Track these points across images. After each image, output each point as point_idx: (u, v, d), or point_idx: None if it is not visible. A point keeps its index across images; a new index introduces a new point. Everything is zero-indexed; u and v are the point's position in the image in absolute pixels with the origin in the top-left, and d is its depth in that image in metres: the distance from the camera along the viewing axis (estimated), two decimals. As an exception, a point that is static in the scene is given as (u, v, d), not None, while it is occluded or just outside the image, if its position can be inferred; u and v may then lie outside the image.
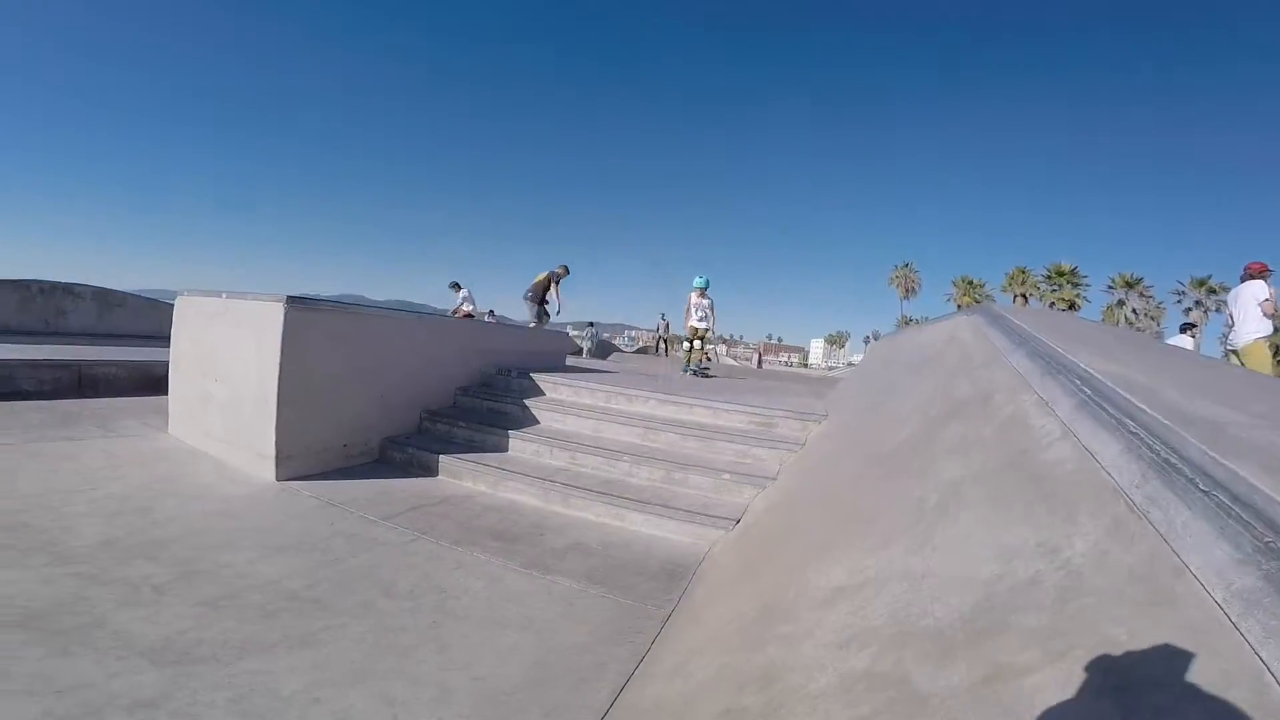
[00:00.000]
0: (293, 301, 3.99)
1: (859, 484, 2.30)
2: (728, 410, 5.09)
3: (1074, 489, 1.06)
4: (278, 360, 3.90)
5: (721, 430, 4.86)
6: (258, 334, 4.06)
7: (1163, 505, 0.87)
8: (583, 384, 5.76)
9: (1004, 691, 0.78)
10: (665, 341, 23.12)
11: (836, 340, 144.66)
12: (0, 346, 6.55)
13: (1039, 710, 0.72)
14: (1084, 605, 0.82)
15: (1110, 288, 45.24)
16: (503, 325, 6.95)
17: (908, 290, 65.02)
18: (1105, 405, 1.21)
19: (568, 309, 10.29)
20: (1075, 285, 45.52)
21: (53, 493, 3.11)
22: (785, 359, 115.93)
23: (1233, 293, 6.24)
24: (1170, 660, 0.68)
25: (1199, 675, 0.64)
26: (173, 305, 5.20)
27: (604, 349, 21.59)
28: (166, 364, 5.04)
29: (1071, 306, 42.65)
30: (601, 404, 5.52)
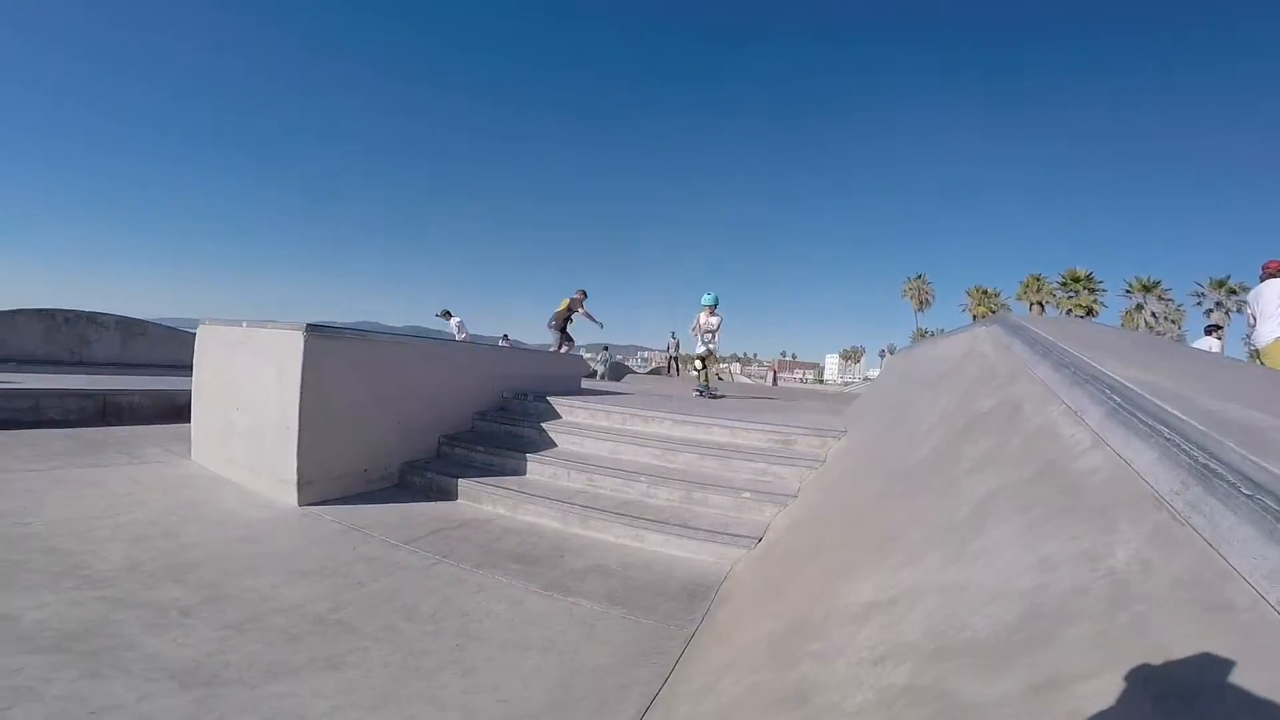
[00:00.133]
0: (312, 329, 4.05)
1: (883, 500, 2.28)
2: (745, 429, 5.07)
3: (1110, 498, 1.05)
4: (298, 387, 3.95)
5: (739, 449, 4.84)
6: (278, 362, 4.12)
7: (1205, 511, 0.86)
8: (598, 406, 5.78)
9: (1057, 700, 0.76)
10: (676, 360, 23.15)
11: (852, 355, 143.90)
12: (28, 376, 6.70)
13: (1098, 715, 0.71)
14: (1134, 613, 0.81)
15: (1127, 292, 44.58)
16: (518, 350, 7.00)
17: (922, 302, 64.71)
18: (1137, 412, 1.20)
19: (584, 332, 10.48)
20: (1091, 291, 45.00)
21: (79, 518, 3.15)
22: (800, 376, 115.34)
23: (1253, 292, 6.15)
24: (1227, 666, 0.66)
25: (1257, 681, 0.63)
26: (193, 333, 5.30)
27: (618, 371, 21.61)
28: (188, 392, 5.13)
29: (1089, 313, 42.14)
30: (618, 425, 5.52)
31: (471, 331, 15.22)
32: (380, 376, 4.65)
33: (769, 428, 5.03)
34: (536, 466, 4.79)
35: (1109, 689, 0.74)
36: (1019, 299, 48.62)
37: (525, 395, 6.15)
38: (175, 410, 6.49)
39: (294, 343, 4.02)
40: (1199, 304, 41.32)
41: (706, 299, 8.60)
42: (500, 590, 2.87)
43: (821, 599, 1.73)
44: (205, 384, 4.91)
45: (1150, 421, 1.14)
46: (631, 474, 4.48)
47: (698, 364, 8.98)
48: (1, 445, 4.57)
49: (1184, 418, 1.09)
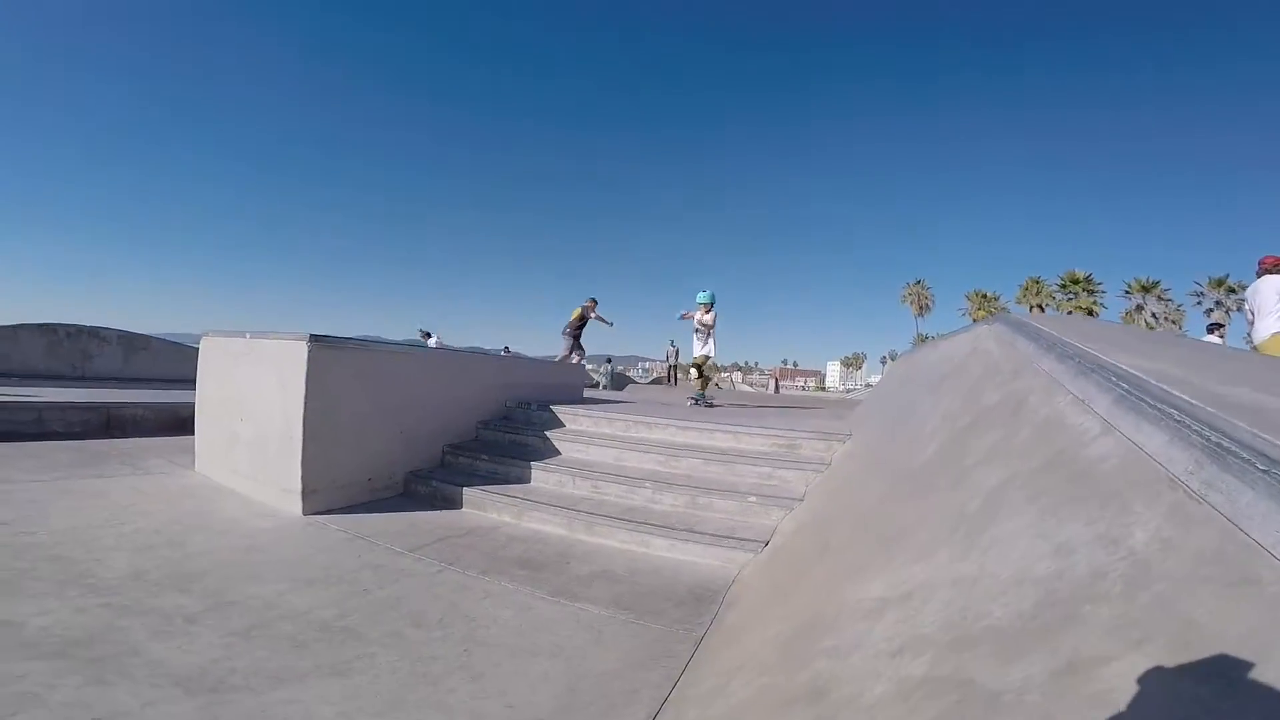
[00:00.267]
0: (316, 340, 4.06)
1: (891, 499, 2.26)
2: (749, 434, 5.06)
3: (1124, 481, 1.04)
4: (302, 397, 3.95)
5: (744, 454, 4.82)
6: (282, 372, 4.12)
7: (1222, 489, 0.85)
8: (602, 414, 5.77)
9: (1085, 681, 0.75)
10: (675, 370, 23.12)
11: (853, 362, 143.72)
12: (31, 390, 6.71)
13: (1128, 696, 0.70)
14: (1157, 591, 0.80)
15: (1127, 293, 44.56)
16: (521, 360, 7.01)
17: (921, 307, 64.73)
18: (1145, 398, 1.19)
19: (587, 342, 10.58)
20: (1091, 292, 44.99)
21: (84, 527, 3.14)
22: (802, 384, 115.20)
23: (1250, 288, 6.12)
24: (1259, 638, 0.65)
25: None
26: (195, 348, 5.30)
27: (619, 381, 21.63)
28: (191, 405, 5.13)
29: (1089, 314, 42.13)
30: (621, 433, 5.51)
31: (473, 344, 15.30)
32: (383, 386, 4.65)
33: (773, 433, 5.01)
34: (541, 474, 4.77)
35: (1136, 669, 0.72)
36: (1019, 302, 48.61)
37: (528, 404, 6.15)
38: (179, 423, 6.49)
39: (298, 353, 4.03)
40: (1199, 303, 41.30)
41: (701, 296, 8.15)
42: (507, 596, 2.85)
43: (832, 598, 1.71)
44: (209, 395, 4.91)
45: (1160, 405, 1.13)
46: (636, 480, 4.46)
47: (693, 371, 8.58)
48: (5, 457, 4.57)
49: (1193, 401, 1.08)
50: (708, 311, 8.05)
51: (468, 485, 4.52)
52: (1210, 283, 40.37)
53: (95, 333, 9.87)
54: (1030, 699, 0.79)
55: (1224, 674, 0.65)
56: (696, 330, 8.13)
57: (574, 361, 10.37)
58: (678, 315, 8.41)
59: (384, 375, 4.68)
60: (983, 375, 2.60)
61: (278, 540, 3.37)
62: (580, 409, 6.00)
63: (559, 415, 5.89)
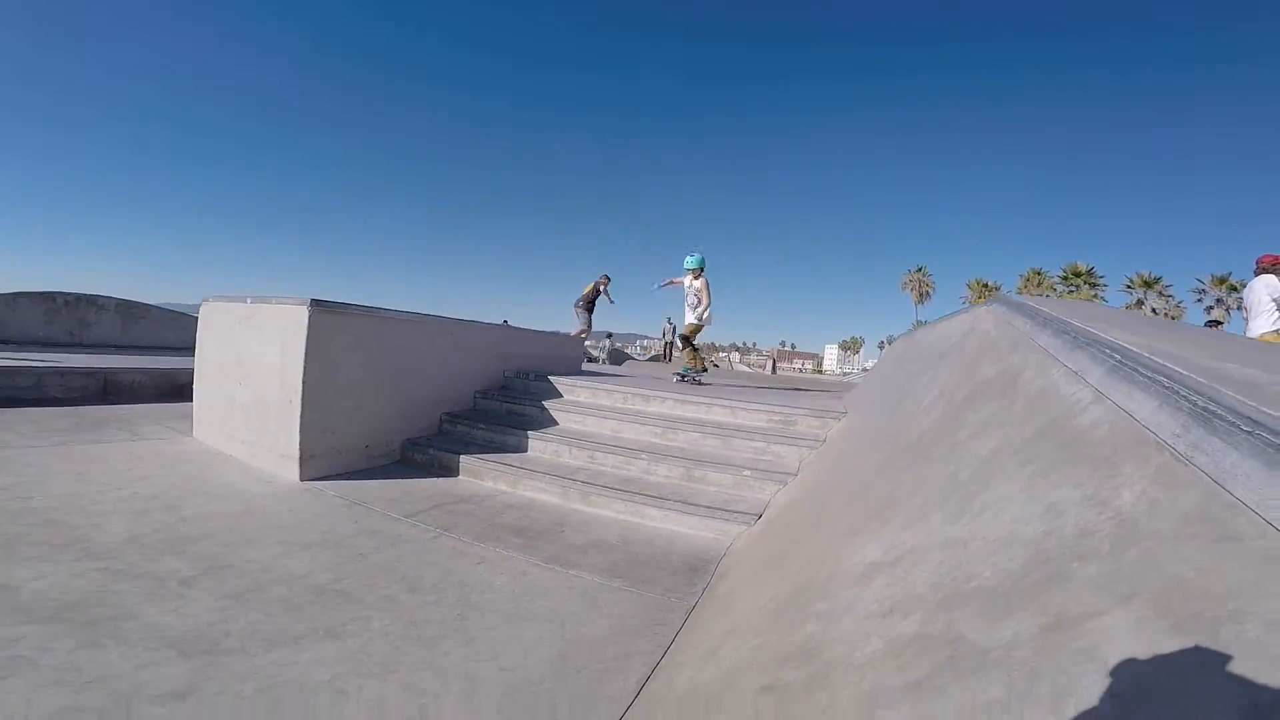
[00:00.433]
0: (317, 304, 4.04)
1: (885, 471, 2.27)
2: (746, 409, 5.07)
3: (1113, 446, 1.05)
4: (302, 362, 3.95)
5: (740, 428, 4.83)
6: (282, 337, 4.11)
7: (1208, 450, 0.86)
8: (600, 386, 5.77)
9: (1073, 636, 0.76)
10: (670, 346, 23.18)
11: (851, 346, 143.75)
12: (29, 356, 6.70)
13: (1116, 649, 0.71)
14: (1144, 549, 0.81)
15: (1128, 287, 44.55)
16: (519, 330, 7.00)
17: (922, 295, 64.60)
18: (1137, 368, 1.20)
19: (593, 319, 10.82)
20: (1093, 286, 44.93)
21: (82, 493, 3.15)
22: (799, 366, 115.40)
23: (1248, 287, 6.11)
24: (1243, 591, 0.66)
25: (1273, 604, 0.63)
26: (193, 316, 5.27)
27: (618, 357, 21.69)
28: (189, 371, 5.12)
29: (1090, 306, 42.05)
30: (619, 405, 5.52)
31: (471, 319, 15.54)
32: (383, 353, 4.64)
33: (770, 409, 5.02)
34: (538, 444, 4.79)
35: (1123, 623, 0.73)
36: (1019, 293, 48.50)
37: (527, 374, 6.15)
38: (176, 389, 6.50)
39: (298, 318, 4.01)
40: (1199, 300, 41.30)
41: (689, 261, 7.47)
42: (502, 563, 2.88)
43: (824, 565, 1.72)
44: (208, 360, 4.90)
45: (1150, 374, 1.14)
46: (632, 452, 4.48)
47: (679, 343, 7.77)
48: (4, 422, 4.57)
49: (1183, 371, 1.10)
50: (698, 277, 7.44)
51: (465, 453, 4.54)
52: (1213, 280, 40.31)
53: (93, 300, 9.82)
54: (1019, 654, 0.80)
55: (1208, 627, 0.66)
56: (688, 300, 7.57)
57: (585, 334, 10.87)
58: (655, 286, 8.04)
59: (384, 342, 4.66)
60: (979, 351, 2.59)
61: (275, 505, 3.39)
62: (578, 380, 6.00)
63: (557, 386, 5.89)
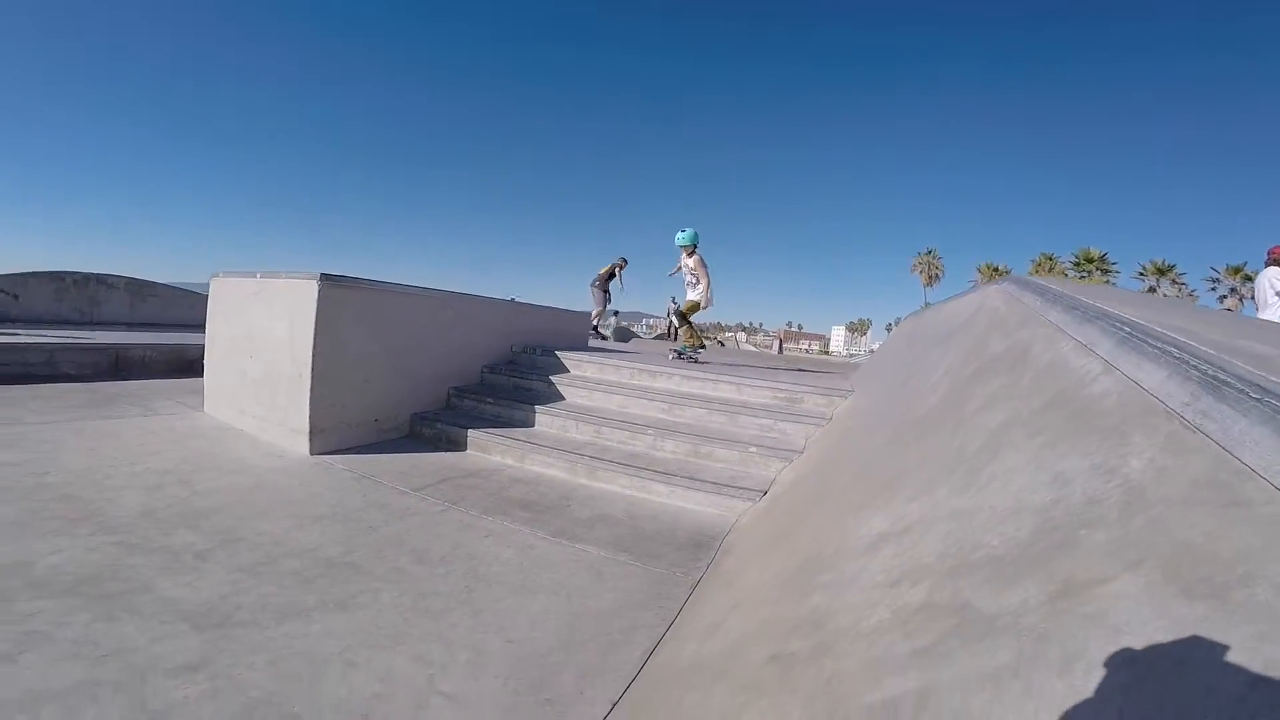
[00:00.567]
0: (326, 279, 4.04)
1: (891, 447, 2.27)
2: (752, 386, 5.05)
3: (1122, 416, 1.06)
4: (311, 337, 3.96)
5: (746, 405, 4.83)
6: (292, 311, 4.12)
7: (1217, 418, 0.87)
8: (606, 361, 5.77)
9: (1082, 601, 0.78)
10: (674, 325, 23.18)
11: (858, 327, 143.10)
12: (42, 333, 6.77)
13: (1125, 614, 0.72)
14: (1153, 515, 0.81)
15: (1141, 274, 44.09)
16: (526, 305, 6.99)
17: (931, 277, 64.08)
18: (1147, 339, 1.20)
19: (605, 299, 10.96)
20: (1105, 272, 44.49)
21: (96, 467, 3.20)
22: (805, 346, 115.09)
23: (1258, 278, 6.01)
24: (1254, 554, 0.67)
25: None
26: (201, 294, 5.29)
27: (623, 335, 21.72)
28: (199, 347, 5.16)
29: (1101, 292, 41.79)
30: (626, 380, 5.52)
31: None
32: (392, 327, 4.66)
33: (776, 386, 5.01)
34: (545, 418, 4.81)
35: (1132, 588, 0.74)
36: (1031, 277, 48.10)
37: (534, 350, 6.15)
38: (186, 365, 6.56)
39: (308, 292, 4.02)
40: (1213, 289, 40.84)
41: (680, 238, 7.06)
42: (509, 536, 2.91)
43: (830, 538, 1.73)
44: (218, 335, 4.93)
45: (1160, 345, 1.14)
46: (639, 427, 4.49)
47: (675, 319, 7.58)
48: (17, 398, 4.63)
49: (1193, 344, 1.10)
50: (690, 255, 7.03)
51: (472, 428, 4.57)
52: (1227, 270, 39.80)
53: (103, 279, 9.87)
54: (1027, 620, 0.81)
55: (1217, 592, 0.67)
56: (687, 280, 7.20)
57: (599, 313, 11.22)
58: (669, 274, 7.61)
59: (392, 316, 4.67)
60: (988, 328, 2.58)
61: (285, 479, 3.43)
62: (585, 355, 6.00)
63: (564, 361, 5.90)
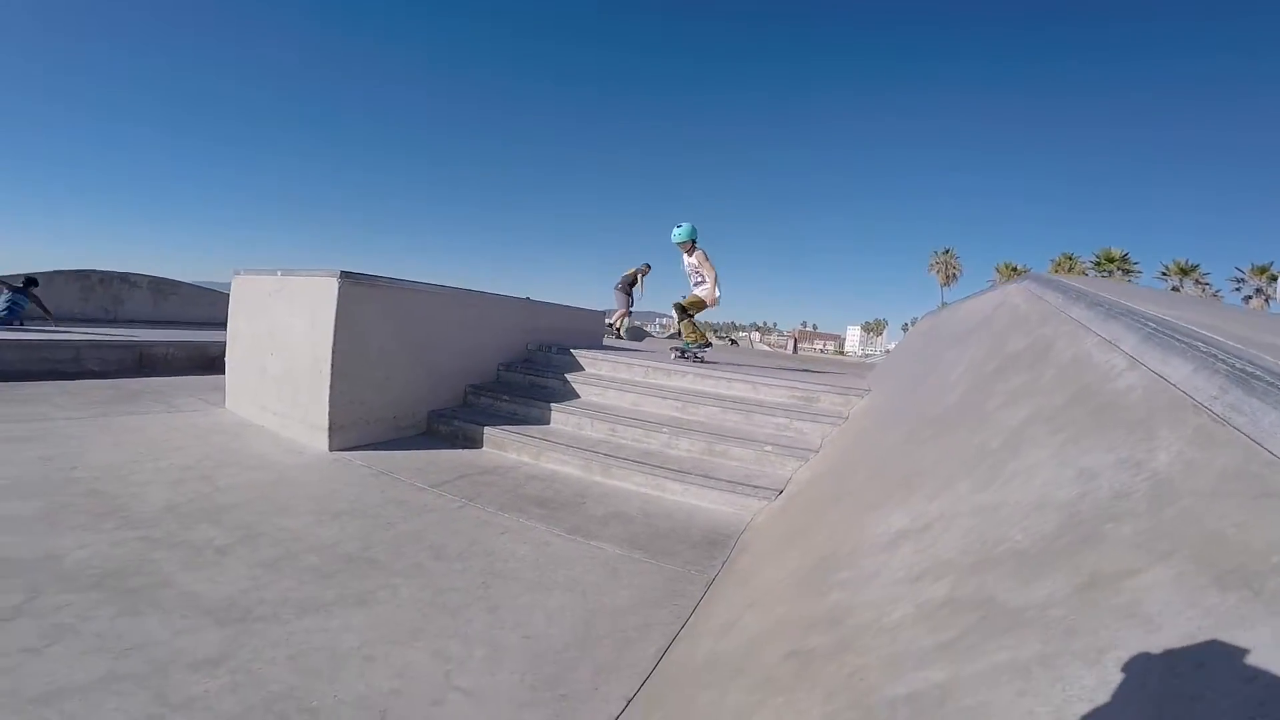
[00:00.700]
0: (346, 276, 4.08)
1: (910, 445, 2.25)
2: (768, 385, 5.03)
3: (1148, 410, 1.05)
4: (332, 333, 4.00)
5: (762, 404, 4.81)
6: (312, 308, 4.17)
7: (1246, 411, 0.86)
8: (621, 359, 5.78)
9: (1111, 593, 0.77)
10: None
11: (874, 328, 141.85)
12: (69, 330, 6.91)
13: (1157, 604, 0.71)
14: (1182, 507, 0.81)
15: (1164, 275, 43.41)
16: (542, 304, 7.02)
17: (948, 277, 63.44)
18: (1173, 334, 1.19)
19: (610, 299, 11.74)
20: (1126, 272, 43.87)
21: (121, 463, 3.26)
22: (820, 346, 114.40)
23: None
24: None
25: None
26: (222, 292, 5.36)
27: (637, 334, 21.74)
28: (220, 344, 5.23)
29: (1123, 293, 41.22)
30: (640, 378, 5.52)
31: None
32: (410, 325, 4.69)
33: (792, 385, 4.98)
34: (560, 416, 4.83)
35: (1163, 579, 0.74)
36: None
37: (549, 348, 6.18)
38: (208, 362, 6.66)
39: (328, 289, 4.06)
40: (1238, 289, 40.10)
41: (677, 234, 6.55)
42: (525, 533, 2.92)
43: (849, 536, 1.72)
44: (240, 333, 5.00)
45: (1186, 340, 1.13)
46: (653, 425, 4.49)
47: (674, 313, 6.90)
48: (45, 394, 4.73)
49: (1219, 338, 1.09)
50: (691, 251, 6.56)
51: (489, 425, 4.59)
52: (1253, 269, 39.06)
53: (126, 278, 10.06)
54: (1054, 613, 0.80)
55: (1251, 582, 0.66)
56: (691, 280, 6.74)
57: (623, 315, 11.85)
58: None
59: (411, 314, 4.71)
60: (1009, 325, 2.55)
61: (305, 475, 3.47)
62: (600, 354, 6.01)
63: (579, 359, 5.91)
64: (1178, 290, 41.43)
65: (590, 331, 8.70)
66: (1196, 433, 0.91)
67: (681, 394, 5.01)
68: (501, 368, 5.82)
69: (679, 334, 7.63)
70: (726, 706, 1.24)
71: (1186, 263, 42.74)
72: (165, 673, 1.59)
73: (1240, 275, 40.19)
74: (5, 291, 7.15)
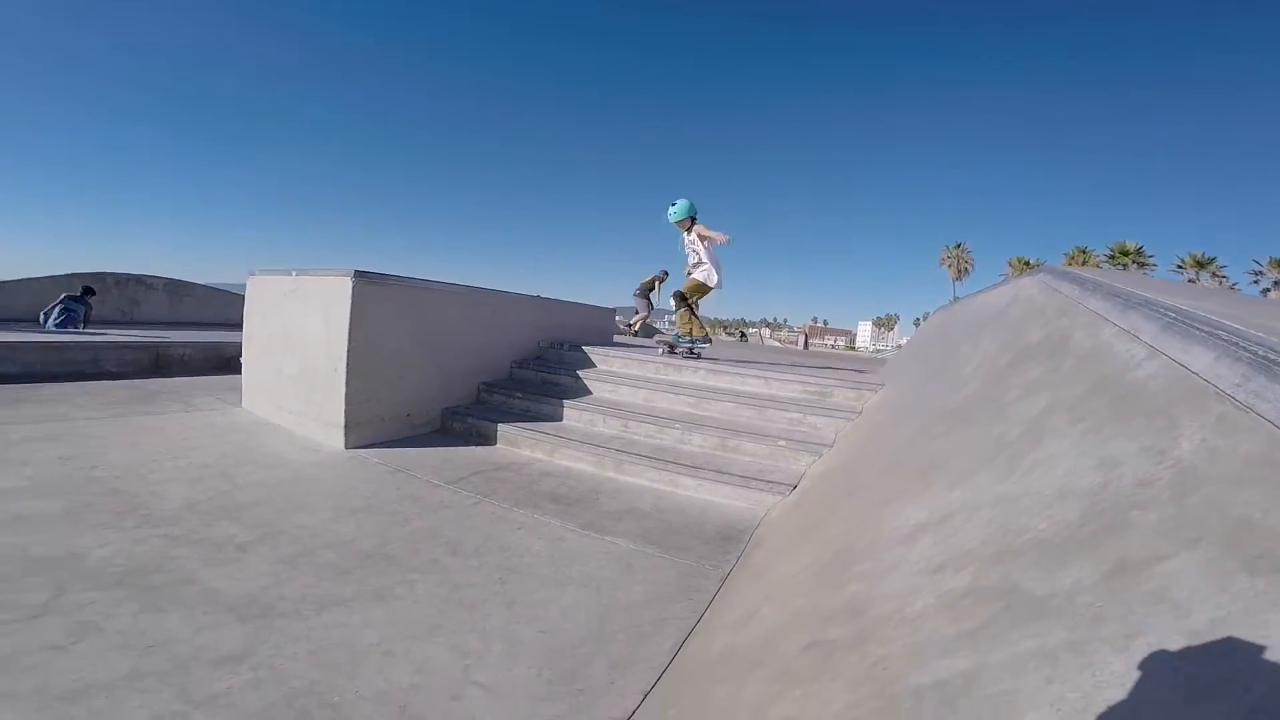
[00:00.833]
0: (360, 275, 4.11)
1: (925, 438, 2.24)
2: (781, 380, 5.02)
3: (1169, 399, 1.04)
4: (346, 333, 4.03)
5: (774, 399, 4.80)
6: (327, 307, 4.20)
7: (1270, 397, 0.86)
8: (632, 356, 5.78)
9: (1138, 580, 0.77)
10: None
11: (885, 323, 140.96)
12: (85, 331, 7.00)
13: (1186, 590, 0.71)
14: (1206, 494, 0.80)
15: (1179, 268, 42.88)
16: (553, 301, 7.04)
17: (960, 271, 63.03)
18: (1193, 324, 1.19)
19: (623, 298, 12.06)
20: (1141, 265, 43.41)
21: (141, 462, 3.30)
22: (831, 342, 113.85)
23: None
24: None
25: None
26: (236, 294, 5.41)
27: (648, 331, 21.82)
28: (235, 345, 5.28)
29: (1138, 287, 40.84)
30: (651, 374, 5.53)
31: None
32: (423, 323, 4.72)
33: (804, 380, 4.97)
34: (572, 413, 4.84)
35: (1191, 564, 0.73)
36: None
37: (561, 345, 6.19)
38: (224, 362, 6.73)
39: (343, 288, 4.09)
40: (1255, 282, 39.58)
41: (674, 212, 5.90)
42: (540, 529, 2.94)
43: (865, 529, 1.72)
44: (255, 333, 5.04)
45: (1207, 329, 1.13)
46: (666, 421, 4.49)
47: (671, 303, 6.28)
48: (65, 394, 4.80)
49: (1240, 327, 1.09)
50: (689, 229, 5.92)
51: (502, 422, 4.61)
52: (1270, 262, 38.51)
53: (141, 280, 10.16)
54: (1081, 600, 0.80)
55: (1279, 566, 0.66)
56: (689, 260, 6.06)
57: (643, 319, 12.74)
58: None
59: (424, 312, 4.74)
60: (1025, 317, 2.53)
61: (322, 472, 3.50)
62: (612, 350, 6.02)
63: (590, 356, 5.92)
64: (1194, 284, 40.94)
65: (601, 328, 8.72)
66: (1219, 420, 0.90)
67: (694, 390, 5.01)
68: (514, 365, 5.84)
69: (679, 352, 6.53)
70: (744, 699, 1.24)
71: (1203, 255, 42.24)
72: (188, 669, 1.61)
73: (1259, 267, 39.64)
74: (63, 299, 7.42)
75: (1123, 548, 0.82)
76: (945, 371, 3.22)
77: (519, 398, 5.18)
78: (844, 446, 3.84)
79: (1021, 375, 1.78)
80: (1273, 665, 0.57)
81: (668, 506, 3.45)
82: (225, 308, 10.83)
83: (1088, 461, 1.05)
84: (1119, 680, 0.67)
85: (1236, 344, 1.01)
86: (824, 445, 4.05)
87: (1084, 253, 46.96)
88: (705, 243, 5.84)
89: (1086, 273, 2.67)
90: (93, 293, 7.90)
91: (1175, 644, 0.66)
